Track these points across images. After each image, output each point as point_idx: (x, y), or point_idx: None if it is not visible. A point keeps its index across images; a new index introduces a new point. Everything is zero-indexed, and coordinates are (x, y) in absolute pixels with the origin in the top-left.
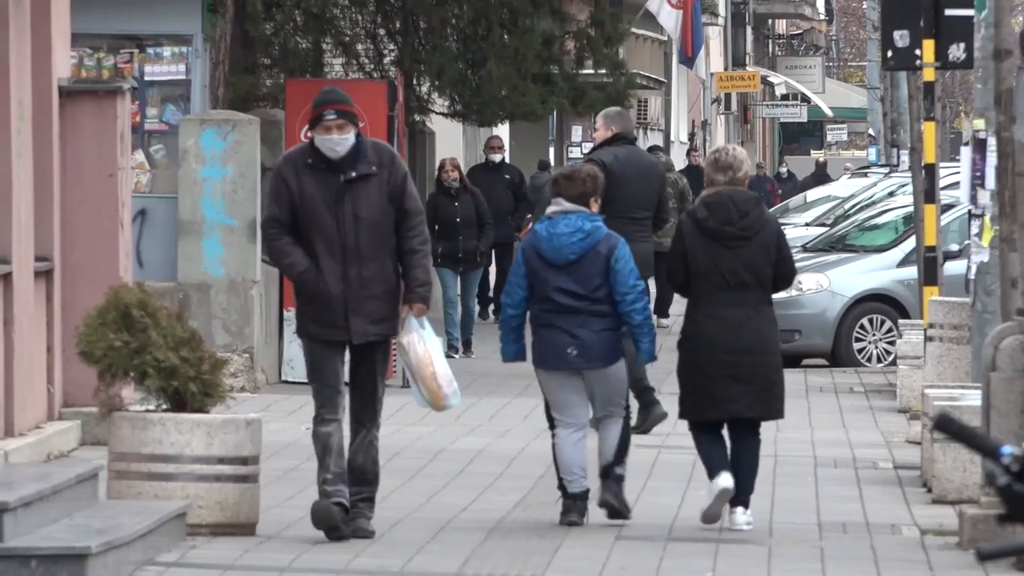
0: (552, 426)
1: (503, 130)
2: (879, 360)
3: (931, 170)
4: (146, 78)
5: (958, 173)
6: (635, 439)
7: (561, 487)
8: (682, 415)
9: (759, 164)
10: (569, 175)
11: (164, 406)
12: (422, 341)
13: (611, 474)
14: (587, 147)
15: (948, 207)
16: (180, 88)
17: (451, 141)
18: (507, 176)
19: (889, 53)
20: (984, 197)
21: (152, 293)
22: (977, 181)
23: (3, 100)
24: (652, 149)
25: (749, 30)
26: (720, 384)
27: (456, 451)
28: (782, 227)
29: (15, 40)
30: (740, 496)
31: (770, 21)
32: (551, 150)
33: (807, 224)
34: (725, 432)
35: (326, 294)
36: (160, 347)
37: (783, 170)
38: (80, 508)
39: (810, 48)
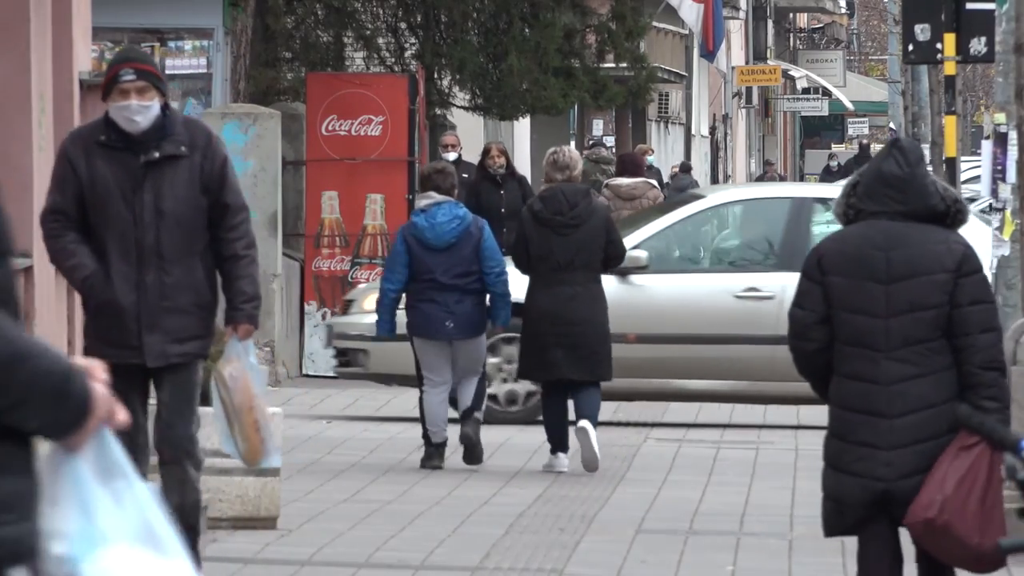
0: (421, 384)
1: (523, 123)
2: None
3: (952, 164)
4: (167, 72)
5: (979, 167)
6: (656, 434)
7: (425, 436)
8: (519, 375)
9: (769, 161)
10: (441, 170)
11: None
12: (245, 377)
13: (470, 416)
14: (608, 140)
15: (969, 201)
16: (201, 82)
17: (472, 135)
18: (464, 175)
19: (910, 47)
20: (1005, 191)
21: None
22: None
23: (24, 94)
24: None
25: (770, 24)
26: (551, 351)
27: None
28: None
29: (36, 34)
30: (586, 413)
31: (791, 15)
32: (572, 143)
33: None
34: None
35: (115, 306)
36: None
37: (832, 164)
38: None
39: (831, 42)
